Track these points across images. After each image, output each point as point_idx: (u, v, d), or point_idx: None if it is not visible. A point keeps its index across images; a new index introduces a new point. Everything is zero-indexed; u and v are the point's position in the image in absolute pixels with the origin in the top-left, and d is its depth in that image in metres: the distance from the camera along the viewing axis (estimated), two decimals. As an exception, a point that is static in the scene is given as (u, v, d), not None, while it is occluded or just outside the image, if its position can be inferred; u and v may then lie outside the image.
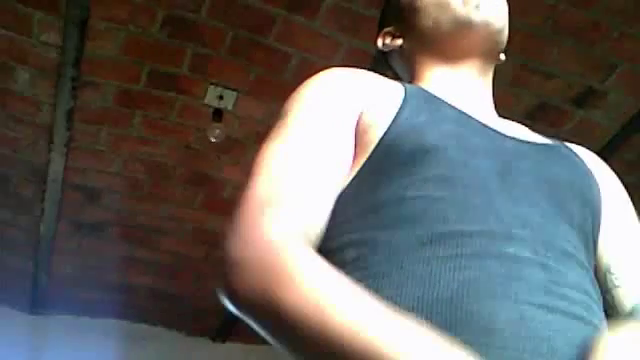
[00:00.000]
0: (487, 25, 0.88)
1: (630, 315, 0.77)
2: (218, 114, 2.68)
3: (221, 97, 2.66)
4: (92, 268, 3.53)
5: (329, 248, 0.73)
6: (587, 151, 0.93)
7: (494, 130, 0.83)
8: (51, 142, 2.76)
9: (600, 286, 0.79)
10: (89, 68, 2.50)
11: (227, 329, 3.99)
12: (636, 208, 0.91)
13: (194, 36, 2.44)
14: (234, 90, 2.65)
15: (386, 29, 1.00)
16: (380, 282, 0.67)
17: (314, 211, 0.72)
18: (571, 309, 0.67)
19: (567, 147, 0.90)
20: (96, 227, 3.29)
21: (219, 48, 2.49)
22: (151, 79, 2.60)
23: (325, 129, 0.77)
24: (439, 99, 0.83)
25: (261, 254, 0.64)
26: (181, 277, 3.66)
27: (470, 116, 0.83)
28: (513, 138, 0.84)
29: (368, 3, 2.32)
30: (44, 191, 2.99)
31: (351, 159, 0.77)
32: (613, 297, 0.80)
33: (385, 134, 0.76)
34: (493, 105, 0.94)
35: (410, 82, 0.96)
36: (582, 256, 0.75)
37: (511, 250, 0.68)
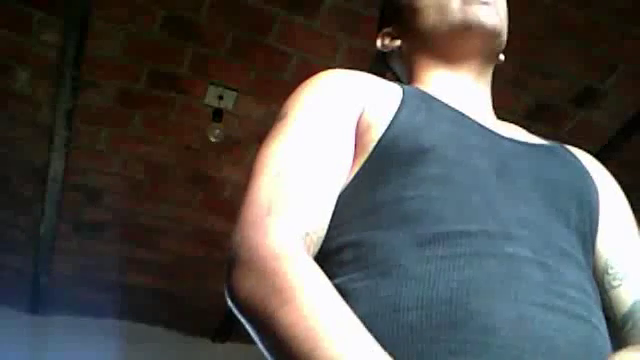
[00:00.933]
0: (486, 28, 0.89)
1: (629, 314, 0.78)
2: (218, 114, 2.68)
3: (221, 97, 2.66)
4: (92, 268, 3.53)
5: (329, 249, 0.73)
6: (584, 153, 0.93)
7: (491, 131, 0.83)
8: (51, 142, 2.76)
9: (597, 287, 0.79)
10: (89, 68, 2.50)
11: (227, 329, 3.99)
12: (635, 209, 0.91)
13: (194, 36, 2.44)
14: (234, 90, 2.65)
15: (385, 30, 1.01)
16: (379, 282, 0.67)
17: (317, 213, 0.72)
18: (570, 308, 0.67)
19: (564, 148, 0.90)
20: (96, 227, 3.29)
21: (219, 48, 2.49)
22: (151, 79, 2.60)
23: (326, 130, 0.78)
24: (437, 100, 0.84)
25: (265, 261, 0.65)
26: (181, 277, 3.67)
27: (467, 116, 0.83)
28: (510, 139, 0.84)
29: (368, 3, 2.32)
30: (44, 191, 3.00)
31: (351, 160, 0.78)
32: (610, 298, 0.80)
33: (383, 135, 0.77)
34: (492, 106, 0.95)
35: (409, 83, 0.96)
36: (580, 256, 0.75)
37: (510, 250, 0.68)
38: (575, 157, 0.89)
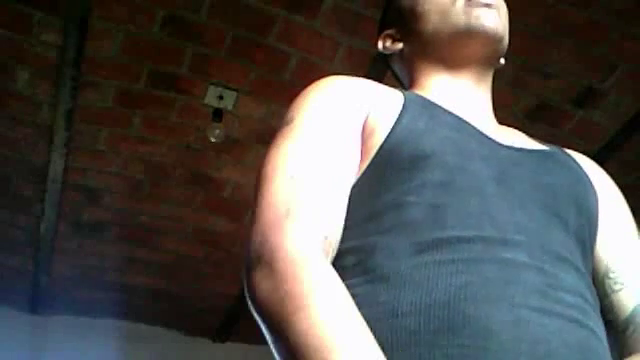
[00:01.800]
0: (488, 33, 0.89)
1: (631, 318, 0.78)
2: (218, 114, 2.68)
3: (221, 97, 2.66)
4: (92, 268, 3.53)
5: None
6: (584, 157, 0.94)
7: (491, 138, 0.83)
8: (51, 142, 2.76)
9: (598, 292, 0.79)
10: (89, 68, 2.50)
11: (227, 329, 3.99)
12: (635, 208, 0.91)
13: (194, 36, 2.44)
14: (234, 90, 2.65)
15: (387, 31, 1.01)
16: (378, 287, 0.68)
17: (334, 217, 0.73)
18: (567, 312, 0.67)
19: (564, 153, 0.90)
20: (96, 227, 3.29)
21: (219, 48, 2.49)
22: (151, 79, 2.60)
23: (334, 134, 0.78)
24: (437, 106, 0.84)
25: (285, 264, 0.65)
26: (181, 277, 3.67)
27: (468, 122, 0.83)
28: (510, 146, 0.84)
29: (368, 3, 2.32)
30: (44, 191, 3.00)
31: (358, 163, 0.78)
32: (612, 302, 0.80)
33: (385, 141, 0.77)
34: (492, 110, 0.95)
35: (409, 85, 0.96)
36: (578, 261, 0.76)
37: (507, 255, 0.69)
38: (574, 161, 0.89)
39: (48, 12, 2.31)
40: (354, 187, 0.77)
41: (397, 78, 1.03)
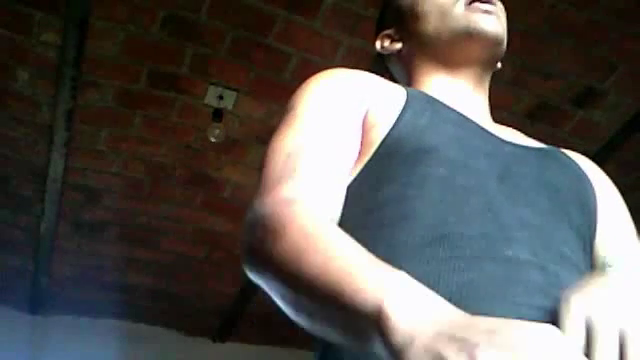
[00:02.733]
0: (488, 35, 0.89)
1: None
2: (218, 114, 2.68)
3: (221, 97, 2.66)
4: (92, 268, 3.53)
5: None
6: (581, 156, 0.94)
7: (493, 134, 0.83)
8: (51, 142, 2.76)
9: None
10: (89, 68, 2.50)
11: (227, 329, 3.99)
12: (635, 209, 0.91)
13: (194, 36, 2.44)
14: (234, 90, 2.65)
15: (385, 32, 1.01)
16: None
17: (330, 187, 0.73)
18: None
19: (561, 152, 0.91)
20: (96, 227, 3.29)
21: (219, 48, 2.49)
22: (151, 79, 2.60)
23: (335, 122, 0.78)
24: (440, 102, 0.84)
25: (285, 211, 0.66)
26: (181, 277, 3.67)
27: (470, 119, 0.83)
28: (511, 143, 0.84)
29: (368, 3, 2.32)
30: (44, 191, 3.00)
31: (357, 153, 0.78)
32: None
33: (388, 134, 0.77)
34: (489, 112, 0.95)
35: (407, 86, 0.96)
36: (579, 259, 0.76)
37: (510, 252, 0.68)
38: (573, 161, 0.89)
39: (48, 12, 2.31)
40: (355, 180, 0.77)
41: (394, 79, 1.03)
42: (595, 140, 2.85)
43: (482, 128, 0.83)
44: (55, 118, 2.65)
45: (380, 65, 1.05)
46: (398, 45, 0.98)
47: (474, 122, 0.83)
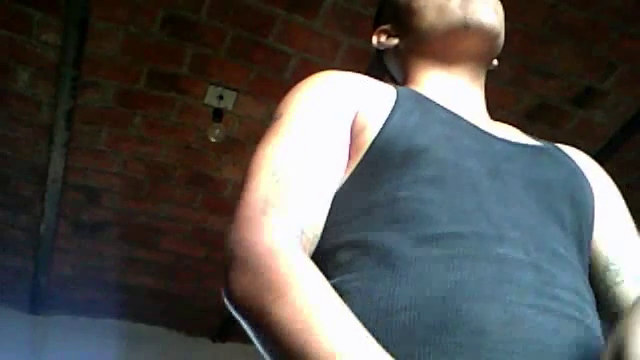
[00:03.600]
0: (485, 28, 0.89)
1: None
2: (218, 114, 2.68)
3: (221, 97, 2.66)
4: (92, 268, 3.53)
5: (323, 250, 0.73)
6: (579, 152, 0.93)
7: (485, 132, 0.83)
8: (51, 142, 2.76)
9: (600, 285, 0.79)
10: (89, 68, 2.50)
11: (227, 329, 3.99)
12: (635, 209, 0.91)
13: (194, 36, 2.44)
14: (234, 90, 2.65)
15: (382, 27, 1.00)
16: (372, 283, 0.67)
17: (313, 212, 0.72)
18: (563, 310, 0.67)
19: (558, 148, 0.90)
20: (96, 227, 3.29)
21: (219, 48, 2.49)
22: (151, 79, 2.60)
23: (321, 130, 0.78)
24: (431, 101, 0.84)
25: (260, 258, 0.65)
26: (181, 277, 3.67)
27: (461, 118, 0.83)
28: (504, 140, 0.84)
29: (368, 3, 2.32)
30: (44, 191, 3.00)
31: (346, 160, 0.78)
32: (614, 294, 0.80)
33: (377, 136, 0.77)
34: (485, 108, 0.94)
35: (404, 82, 0.96)
36: (574, 257, 0.75)
37: (502, 251, 0.68)
38: (569, 157, 0.89)
39: (48, 12, 2.31)
40: (346, 183, 0.76)
41: (391, 75, 1.03)
42: (595, 140, 2.85)
43: (473, 126, 0.83)
44: (55, 118, 2.65)
45: (378, 62, 1.05)
46: (395, 41, 0.97)
47: (465, 120, 0.83)
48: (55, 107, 2.62)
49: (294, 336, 0.58)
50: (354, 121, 0.79)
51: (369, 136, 0.77)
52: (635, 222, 0.88)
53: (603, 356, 0.57)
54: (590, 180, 0.86)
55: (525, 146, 0.85)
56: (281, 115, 0.80)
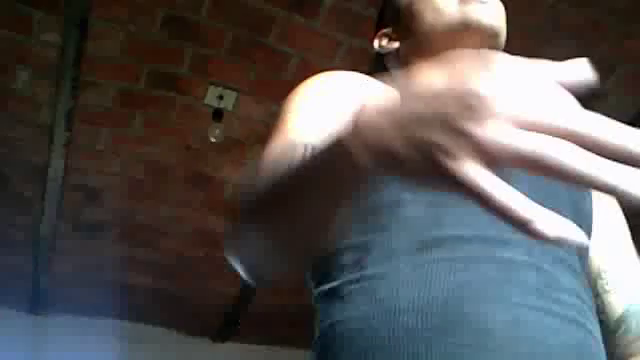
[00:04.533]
0: (484, 27, 0.88)
1: (621, 318, 0.78)
2: (218, 114, 2.68)
3: (221, 97, 2.66)
4: (92, 268, 3.53)
5: (328, 252, 0.73)
6: None
7: None
8: (51, 142, 2.76)
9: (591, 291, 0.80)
10: (89, 68, 2.50)
11: (227, 329, 3.99)
12: (635, 210, 0.91)
13: (194, 36, 2.44)
14: (234, 90, 2.65)
15: (383, 30, 1.00)
16: (377, 284, 0.67)
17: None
18: (565, 312, 0.67)
19: None
20: (96, 227, 3.29)
21: (219, 48, 2.49)
22: (151, 79, 2.60)
23: (329, 123, 0.77)
24: None
25: (271, 152, 0.66)
26: (181, 277, 3.67)
27: None
28: None
29: (368, 3, 2.32)
30: (44, 191, 3.00)
31: None
32: (603, 302, 0.81)
33: None
34: None
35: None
36: (575, 262, 0.76)
37: (507, 254, 0.69)
38: None
39: (48, 12, 2.31)
40: None
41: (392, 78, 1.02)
42: (595, 140, 2.84)
43: None
44: (55, 118, 2.65)
45: (379, 64, 1.05)
46: (395, 44, 0.97)
47: None
48: (55, 107, 2.62)
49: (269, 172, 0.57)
50: None
51: None
52: (635, 224, 0.89)
53: None
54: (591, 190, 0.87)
55: None
56: (290, 109, 0.79)
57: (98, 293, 3.68)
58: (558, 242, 0.38)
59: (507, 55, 0.43)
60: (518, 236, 0.70)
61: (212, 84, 2.62)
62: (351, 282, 0.69)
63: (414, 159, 0.41)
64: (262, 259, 0.64)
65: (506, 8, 0.93)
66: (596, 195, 0.87)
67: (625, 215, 0.90)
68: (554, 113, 0.39)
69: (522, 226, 0.39)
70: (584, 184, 0.38)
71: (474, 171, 0.39)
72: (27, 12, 2.31)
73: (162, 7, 2.34)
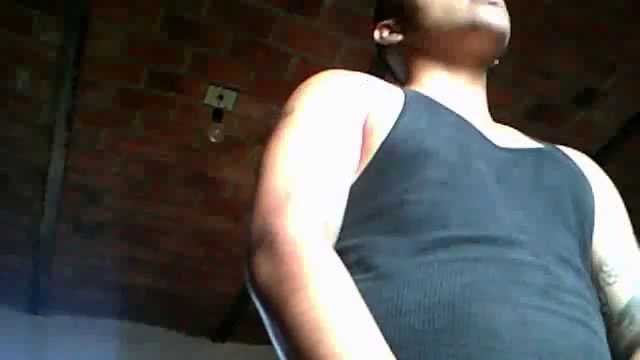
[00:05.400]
0: (493, 29, 0.88)
1: (625, 310, 0.78)
2: (218, 114, 2.68)
3: (221, 97, 2.66)
4: (92, 268, 3.53)
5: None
6: (578, 152, 0.93)
7: (488, 139, 0.83)
8: (51, 142, 2.76)
9: (593, 284, 0.80)
10: (89, 68, 2.50)
11: (227, 329, 3.99)
12: (635, 209, 0.91)
13: (194, 36, 2.44)
14: (234, 90, 2.65)
15: (384, 22, 0.98)
16: (382, 285, 0.67)
17: (336, 205, 0.72)
18: (571, 313, 0.67)
19: (559, 150, 0.90)
20: (96, 227, 3.29)
21: (219, 48, 2.49)
22: (151, 79, 2.60)
23: (337, 126, 0.77)
24: (438, 104, 0.83)
25: (285, 245, 0.65)
26: (181, 277, 3.66)
27: (468, 121, 0.83)
28: (507, 147, 0.84)
29: (368, 3, 2.32)
30: (44, 191, 2.99)
31: (358, 159, 0.77)
32: (606, 294, 0.80)
33: (386, 139, 0.76)
34: (487, 108, 0.94)
35: (405, 80, 0.95)
36: (578, 261, 0.76)
37: (512, 255, 0.69)
38: (570, 159, 0.88)
39: (48, 12, 2.31)
40: (354, 185, 0.76)
41: (392, 71, 1.01)
42: (595, 140, 2.85)
43: (479, 132, 0.83)
44: (55, 118, 2.65)
45: (379, 58, 1.04)
46: (399, 37, 0.96)
47: (472, 124, 0.83)
48: (55, 107, 2.62)
49: (307, 332, 0.58)
50: (365, 121, 0.79)
51: (377, 139, 0.77)
52: (636, 222, 0.88)
53: None
54: (591, 181, 0.86)
55: (529, 151, 0.85)
56: (293, 109, 0.79)
57: (98, 293, 3.68)
58: None
59: None
60: (523, 237, 0.70)
61: (212, 84, 2.62)
62: (356, 282, 0.69)
63: None
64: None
65: (507, 8, 0.93)
66: (596, 184, 0.87)
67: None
68: None
69: None
70: None
71: None
72: (27, 12, 2.31)
73: (162, 7, 2.33)
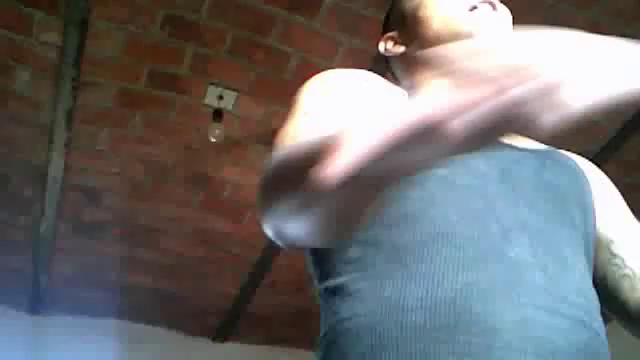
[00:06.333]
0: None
1: None
2: (218, 114, 2.68)
3: (221, 97, 2.66)
4: (92, 268, 3.53)
5: (335, 247, 0.73)
6: (579, 156, 0.94)
7: None
8: (51, 142, 2.76)
9: (604, 273, 0.80)
10: (89, 68, 2.50)
11: (227, 329, 3.99)
12: (635, 209, 0.91)
13: (194, 36, 2.44)
14: (234, 90, 2.65)
15: (389, 34, 1.00)
16: (383, 282, 0.67)
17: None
18: (572, 312, 0.67)
19: (560, 152, 0.91)
20: (96, 227, 3.29)
21: (219, 48, 2.49)
22: (151, 79, 2.60)
23: (344, 112, 0.76)
24: None
25: (320, 136, 0.55)
26: (181, 277, 3.67)
27: None
28: (509, 145, 0.84)
29: (368, 3, 2.32)
30: (44, 191, 3.00)
31: None
32: (619, 283, 0.81)
33: None
34: None
35: (408, 90, 0.96)
36: (581, 259, 0.76)
37: (512, 254, 0.69)
38: (572, 161, 0.89)
39: (48, 12, 2.31)
40: None
41: (396, 79, 1.03)
42: (595, 140, 2.85)
43: None
44: (55, 118, 2.65)
45: (383, 66, 1.05)
46: (401, 49, 0.97)
47: None
48: (55, 107, 2.62)
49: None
50: None
51: None
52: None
53: None
54: (592, 184, 0.87)
55: (531, 151, 0.86)
56: (300, 103, 0.76)
57: (98, 293, 3.68)
58: None
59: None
60: (524, 235, 0.71)
61: (212, 84, 2.62)
62: (358, 279, 0.69)
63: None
64: (315, 226, 0.57)
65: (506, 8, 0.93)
66: (597, 187, 0.88)
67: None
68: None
69: None
70: None
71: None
72: (27, 12, 2.31)
73: (162, 7, 2.34)
